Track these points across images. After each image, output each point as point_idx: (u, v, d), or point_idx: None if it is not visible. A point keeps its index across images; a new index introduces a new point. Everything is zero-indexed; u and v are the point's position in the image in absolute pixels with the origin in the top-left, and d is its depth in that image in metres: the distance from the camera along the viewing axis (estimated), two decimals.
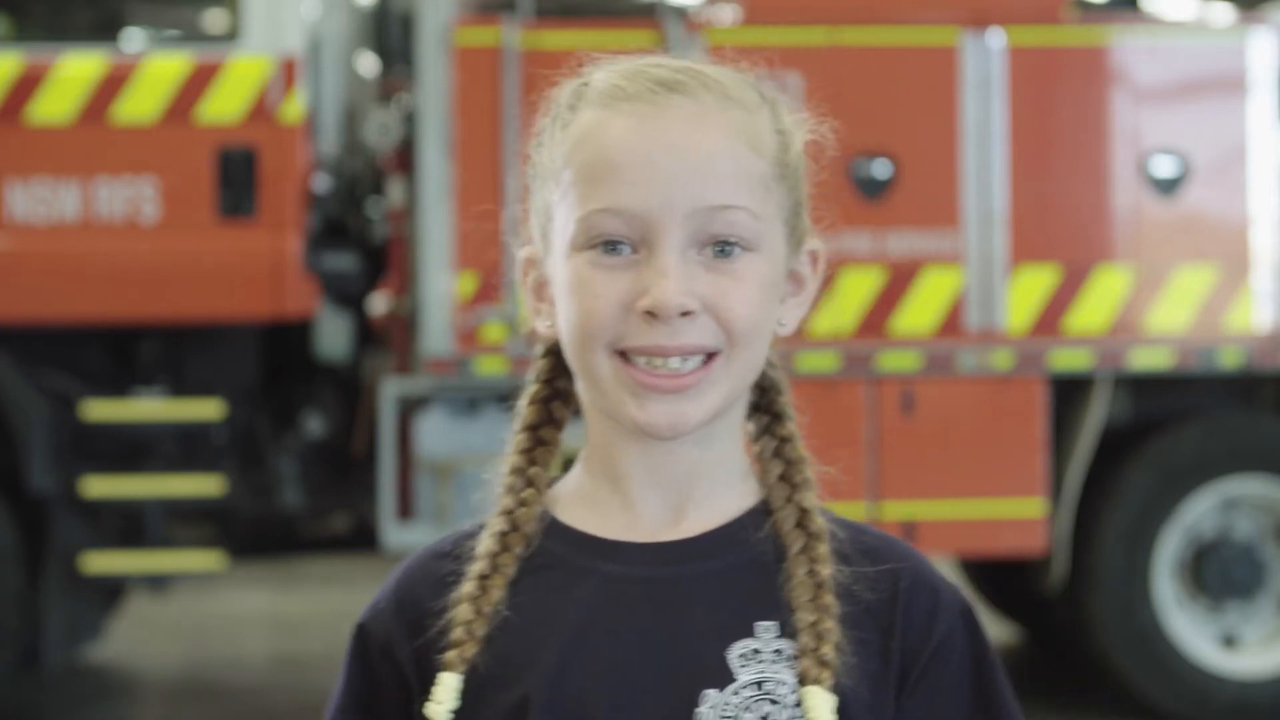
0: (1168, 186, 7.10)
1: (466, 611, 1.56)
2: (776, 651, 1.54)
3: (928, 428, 6.94)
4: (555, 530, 1.60)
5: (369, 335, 7.48)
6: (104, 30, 7.20)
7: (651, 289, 1.50)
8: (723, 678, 1.53)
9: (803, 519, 1.58)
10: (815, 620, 1.53)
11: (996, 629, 8.92)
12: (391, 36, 7.72)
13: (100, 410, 6.93)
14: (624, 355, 1.53)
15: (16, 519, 6.92)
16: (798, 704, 1.52)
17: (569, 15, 7.28)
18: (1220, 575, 7.19)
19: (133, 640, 8.68)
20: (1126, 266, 7.07)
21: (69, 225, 6.91)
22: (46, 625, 6.97)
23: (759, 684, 1.53)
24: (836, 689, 1.52)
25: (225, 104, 6.94)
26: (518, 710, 1.54)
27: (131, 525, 7.12)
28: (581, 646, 1.55)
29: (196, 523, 7.73)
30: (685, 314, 1.51)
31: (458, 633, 1.55)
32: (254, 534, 8.25)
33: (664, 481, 1.59)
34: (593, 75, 1.58)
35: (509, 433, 1.66)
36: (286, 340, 7.40)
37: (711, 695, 1.53)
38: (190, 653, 8.63)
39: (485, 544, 1.59)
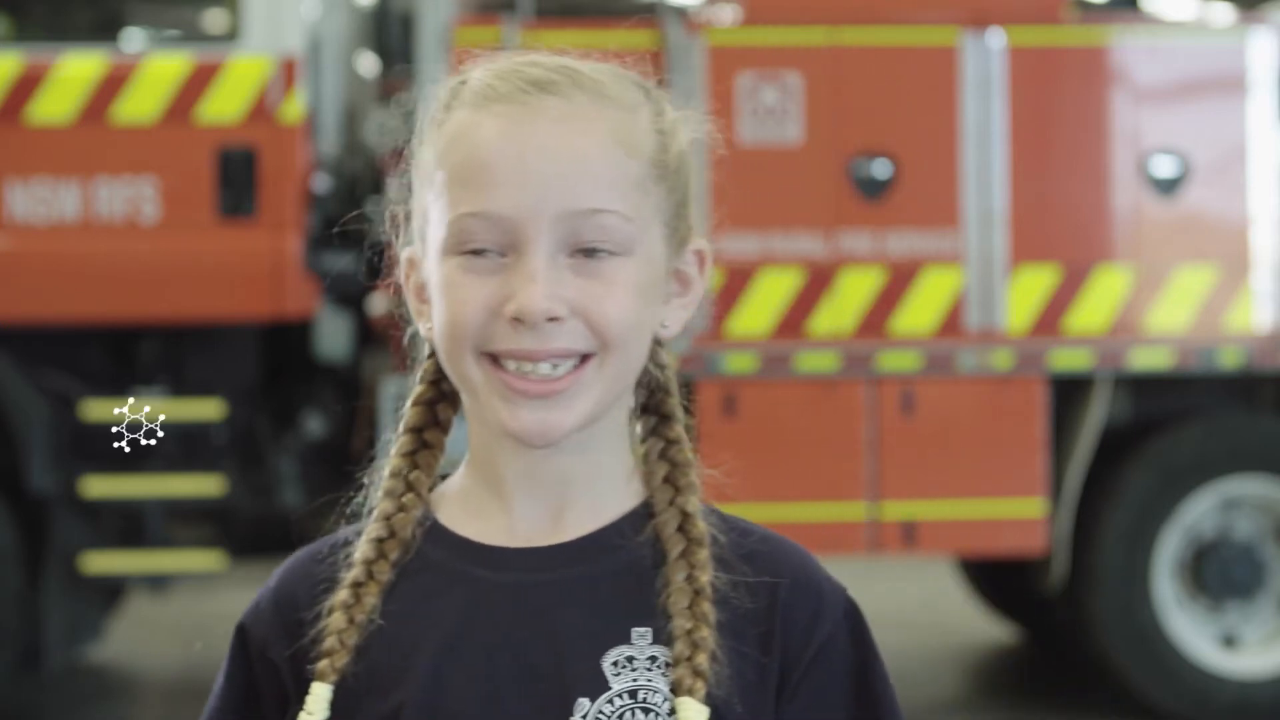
0: (1168, 186, 7.10)
1: (339, 620, 1.53)
2: (651, 659, 1.50)
3: (928, 428, 6.94)
4: (435, 534, 1.58)
5: (369, 335, 7.48)
6: (104, 30, 7.20)
7: (518, 294, 1.47)
8: (596, 686, 1.50)
9: (684, 523, 1.55)
10: (691, 628, 1.49)
11: (996, 629, 8.91)
12: (391, 36, 7.72)
13: (100, 410, 6.93)
14: (495, 359, 1.50)
15: (16, 519, 6.92)
16: (672, 712, 1.49)
17: (569, 15, 7.28)
18: (1220, 575, 7.19)
19: (133, 640, 8.68)
20: (1126, 266, 7.07)
21: (69, 225, 6.91)
22: (46, 625, 6.97)
23: (633, 693, 1.50)
24: (711, 700, 1.49)
25: (225, 104, 6.94)
26: (392, 718, 1.52)
27: (131, 525, 7.12)
28: (454, 654, 1.52)
29: (196, 523, 7.72)
30: (553, 319, 1.47)
31: (329, 642, 1.53)
32: (254, 534, 8.25)
33: (542, 485, 1.56)
34: (470, 73, 1.55)
35: (392, 435, 1.64)
36: (286, 340, 7.40)
37: (585, 704, 1.50)
38: (190, 653, 8.63)
39: (362, 550, 1.56)
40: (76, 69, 6.93)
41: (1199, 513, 7.20)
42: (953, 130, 6.99)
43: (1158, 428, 7.27)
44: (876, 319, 6.96)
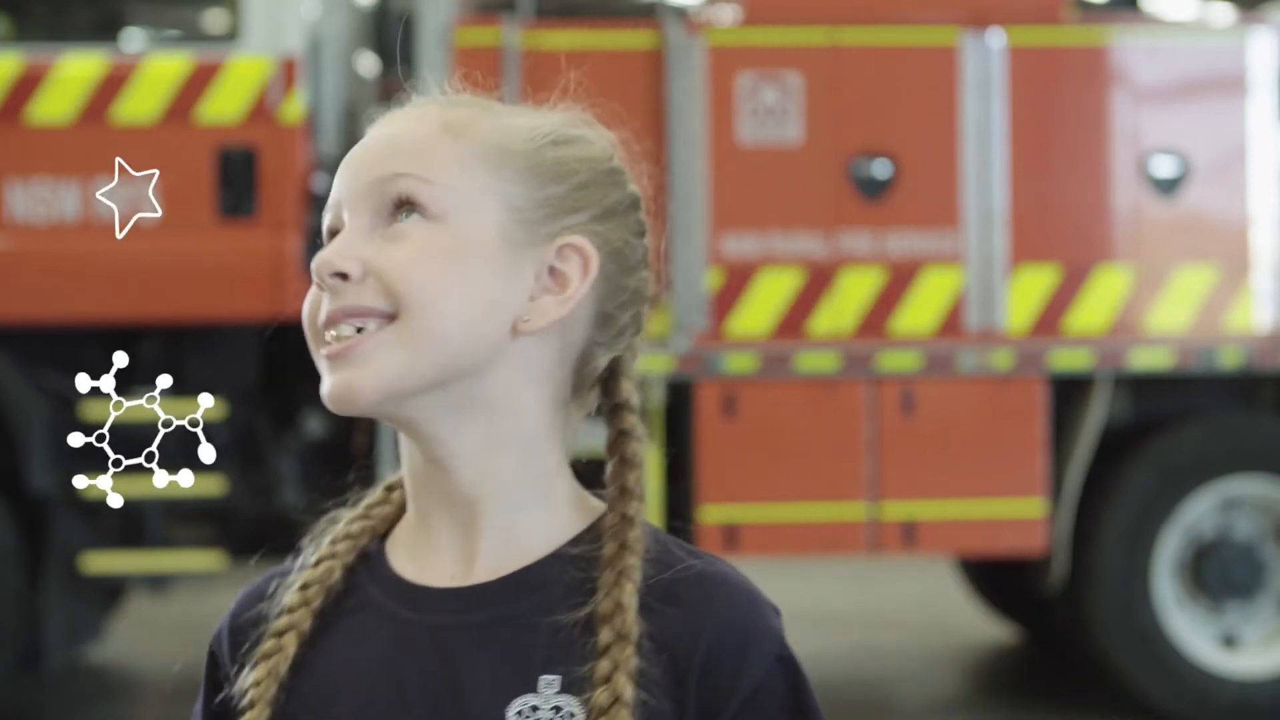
0: (1168, 186, 7.10)
1: (260, 671, 1.53)
2: (555, 709, 1.48)
3: (928, 428, 6.94)
4: (376, 569, 1.57)
5: None
6: (104, 30, 7.20)
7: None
8: None
9: (615, 614, 1.49)
10: None
11: (996, 629, 8.91)
12: (391, 36, 7.72)
13: (100, 410, 6.92)
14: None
15: (16, 519, 6.92)
16: None
17: (569, 15, 7.28)
18: (1220, 575, 7.19)
19: (133, 640, 8.68)
20: (1126, 266, 7.07)
21: (69, 225, 6.91)
22: (46, 625, 6.97)
23: None
24: None
25: (225, 104, 6.94)
26: None
27: (131, 525, 7.12)
28: (372, 697, 1.51)
29: (196, 523, 7.72)
30: (341, 275, 1.49)
31: (251, 694, 1.53)
32: (254, 534, 8.25)
33: (452, 511, 1.53)
34: None
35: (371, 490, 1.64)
36: (286, 340, 7.39)
37: None
38: (191, 653, 8.62)
39: (289, 597, 1.56)
40: (76, 69, 6.93)
41: (1199, 513, 7.21)
42: (953, 130, 7.00)
43: (1158, 428, 7.27)
44: (876, 319, 6.96)
